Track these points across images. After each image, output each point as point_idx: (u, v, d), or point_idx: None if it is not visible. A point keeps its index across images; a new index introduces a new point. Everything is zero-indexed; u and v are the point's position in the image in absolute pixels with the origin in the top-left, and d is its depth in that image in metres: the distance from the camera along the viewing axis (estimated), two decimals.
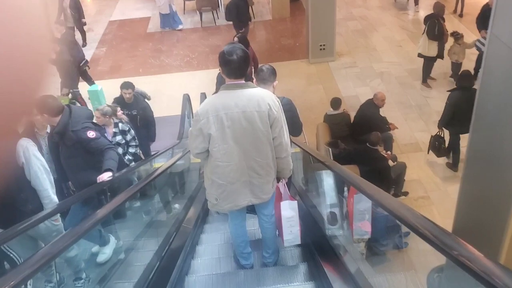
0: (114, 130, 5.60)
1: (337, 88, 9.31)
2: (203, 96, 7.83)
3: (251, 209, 3.52)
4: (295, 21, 12.32)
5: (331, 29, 9.86)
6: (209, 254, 4.13)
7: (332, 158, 5.75)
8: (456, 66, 8.74)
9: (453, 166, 7.09)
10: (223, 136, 2.97)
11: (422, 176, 7.07)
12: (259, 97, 2.99)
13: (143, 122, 6.61)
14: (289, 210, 3.37)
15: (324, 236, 3.61)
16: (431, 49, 8.50)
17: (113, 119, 5.61)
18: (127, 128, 5.69)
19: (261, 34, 11.94)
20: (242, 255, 3.68)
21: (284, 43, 11.24)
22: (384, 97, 7.11)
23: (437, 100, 8.44)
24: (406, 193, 6.70)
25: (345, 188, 3.46)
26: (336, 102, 7.11)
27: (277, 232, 3.62)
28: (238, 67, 2.97)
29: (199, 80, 9.69)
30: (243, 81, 3.06)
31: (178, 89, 8.99)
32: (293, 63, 10.31)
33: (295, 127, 4.23)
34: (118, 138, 5.62)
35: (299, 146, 6.25)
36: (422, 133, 7.97)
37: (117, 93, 9.67)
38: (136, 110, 6.52)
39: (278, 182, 3.34)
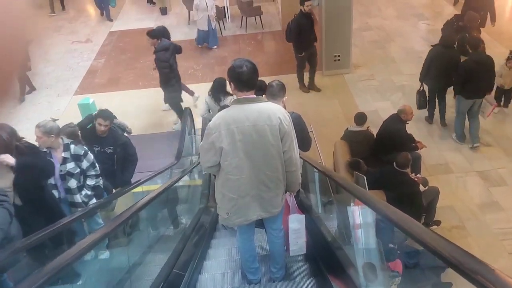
0: (63, 154, 4.28)
1: (354, 103, 8.48)
2: (206, 121, 7.02)
3: (259, 223, 3.52)
4: None
5: (346, 39, 9.07)
6: (216, 269, 4.05)
7: (361, 183, 4.84)
8: (501, 91, 7.59)
9: (429, 118, 7.71)
10: (235, 149, 3.01)
11: (455, 202, 6.17)
12: (270, 111, 3.03)
13: (121, 163, 5.24)
14: (296, 223, 3.46)
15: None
16: None
17: (62, 139, 4.30)
18: (82, 152, 4.36)
19: (271, 45, 11.17)
20: (250, 270, 3.66)
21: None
22: (412, 110, 6.28)
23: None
24: (438, 222, 5.79)
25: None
26: (361, 118, 6.27)
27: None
28: (249, 78, 3.00)
29: (204, 93, 8.87)
30: (254, 95, 3.09)
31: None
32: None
33: (304, 142, 4.29)
34: (70, 166, 4.30)
35: (314, 167, 5.43)
36: (452, 152, 7.10)
37: (113, 107, 8.95)
38: (112, 147, 5.12)
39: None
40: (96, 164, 4.43)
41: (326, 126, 7.65)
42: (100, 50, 11.54)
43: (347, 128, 6.52)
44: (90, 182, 4.44)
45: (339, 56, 9.20)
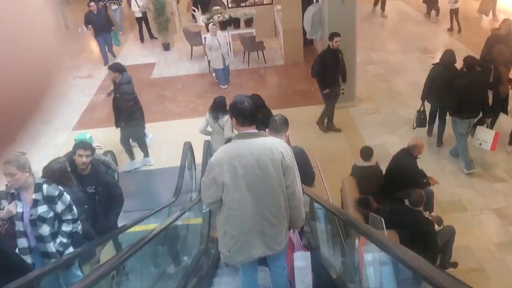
0: (34, 196, 3.72)
1: (360, 137, 8.21)
2: (207, 144, 6.77)
3: (262, 261, 3.45)
4: (309, 66, 11.29)
5: (351, 72, 8.88)
6: None
7: (377, 225, 4.49)
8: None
9: (429, 131, 7.81)
10: (237, 184, 2.98)
11: (472, 242, 5.79)
12: (272, 145, 3.04)
13: (104, 204, 4.70)
14: (301, 260, 3.40)
15: None
16: None
17: (33, 176, 3.74)
18: (57, 193, 3.78)
19: (273, 79, 11.04)
20: None
21: (298, 88, 10.30)
22: (423, 144, 5.99)
23: (489, 158, 7.28)
24: (455, 264, 5.40)
25: None
26: (367, 152, 5.97)
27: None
28: (250, 114, 3.03)
29: None
30: (256, 130, 3.10)
31: (181, 137, 7.93)
32: (309, 109, 9.29)
33: (307, 177, 4.26)
34: (42, 209, 3.71)
35: (321, 204, 5.12)
36: (465, 189, 6.76)
37: (112, 142, 8.71)
38: (94, 186, 4.62)
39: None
40: (74, 207, 3.89)
41: (332, 161, 7.35)
42: (102, 85, 11.41)
43: (354, 164, 6.22)
44: (66, 228, 3.84)
45: (343, 89, 8.99)
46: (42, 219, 3.72)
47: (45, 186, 3.76)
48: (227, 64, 10.36)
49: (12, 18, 0.37)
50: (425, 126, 7.67)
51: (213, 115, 6.46)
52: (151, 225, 5.07)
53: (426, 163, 7.02)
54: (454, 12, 12.18)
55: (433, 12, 13.51)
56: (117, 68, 7.27)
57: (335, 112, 9.01)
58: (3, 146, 0.41)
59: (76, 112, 10.13)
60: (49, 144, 9.02)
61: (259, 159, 2.97)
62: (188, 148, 6.79)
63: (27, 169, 3.63)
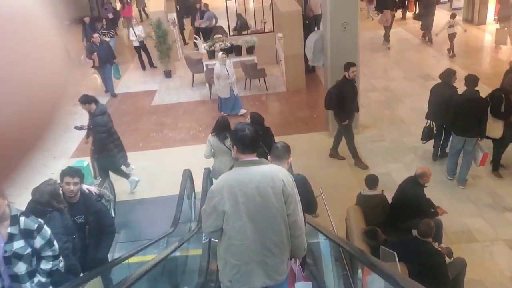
0: (10, 230, 3.32)
1: (364, 165, 8.01)
2: (207, 172, 6.59)
3: None
4: (311, 93, 11.35)
5: None
6: None
7: (391, 259, 4.26)
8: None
9: (434, 155, 7.88)
10: (238, 212, 2.95)
11: (484, 275, 5.52)
12: (273, 173, 3.01)
13: (94, 235, 4.38)
14: None
15: None
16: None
17: (8, 205, 3.33)
18: (36, 226, 3.39)
19: (275, 106, 10.95)
20: None
21: (300, 115, 10.17)
22: (431, 172, 5.80)
23: (498, 187, 7.09)
24: None
25: None
26: (372, 181, 5.78)
27: None
28: (251, 141, 3.03)
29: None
30: (256, 158, 3.08)
31: (181, 164, 7.75)
32: (312, 135, 9.15)
33: (310, 206, 4.23)
34: (18, 245, 3.32)
35: (325, 235, 4.90)
36: (475, 218, 6.52)
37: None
38: (83, 215, 4.32)
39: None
40: (55, 242, 3.53)
41: (336, 189, 7.14)
42: None
43: (359, 193, 6.01)
44: (45, 265, 3.43)
45: None
46: (17, 256, 3.31)
47: (22, 219, 3.35)
48: (235, 93, 10.17)
49: (24, 44, 0.37)
50: (431, 138, 7.74)
51: (219, 136, 6.32)
52: (148, 257, 4.85)
53: (432, 191, 6.81)
54: (451, 37, 12.43)
55: (431, 37, 13.75)
56: (86, 100, 7.09)
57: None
58: (4, 178, 0.39)
59: (74, 139, 9.97)
60: (47, 172, 8.82)
61: (259, 187, 2.95)
62: (188, 176, 6.60)
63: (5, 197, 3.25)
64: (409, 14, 16.55)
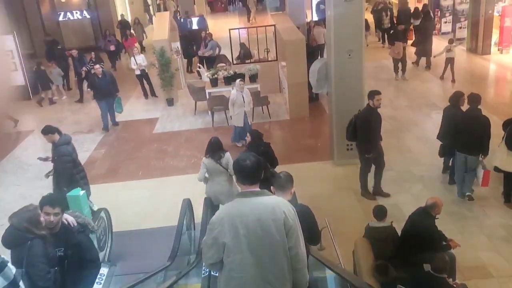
0: None
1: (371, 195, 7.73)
2: (208, 201, 6.32)
3: None
4: (315, 121, 11.18)
5: None
6: None
7: None
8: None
9: (450, 180, 7.77)
10: (238, 244, 2.90)
11: None
12: (275, 204, 2.97)
13: (74, 270, 4.00)
14: None
15: None
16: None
17: None
18: None
19: (278, 134, 10.74)
20: None
21: (304, 143, 9.95)
22: (443, 202, 5.52)
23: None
24: None
25: None
26: (381, 212, 5.49)
27: None
28: (251, 172, 3.00)
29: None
30: (258, 189, 3.04)
31: (181, 194, 7.49)
32: (316, 164, 8.90)
33: (313, 237, 4.16)
34: None
35: (332, 270, 4.60)
36: (489, 253, 6.18)
37: (108, 199, 8.26)
38: (63, 248, 3.94)
39: None
40: (20, 283, 3.17)
41: (343, 221, 6.84)
42: (102, 140, 11.15)
43: (367, 224, 5.71)
44: None
45: (351, 145, 8.62)
46: None
47: None
48: (249, 123, 9.80)
49: None
50: (444, 156, 7.78)
51: (213, 157, 6.31)
52: None
53: (442, 223, 6.50)
54: (449, 61, 12.56)
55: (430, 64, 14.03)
56: (49, 130, 6.94)
57: (343, 169, 8.61)
58: None
59: None
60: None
61: (261, 219, 2.90)
62: (187, 206, 6.32)
63: None
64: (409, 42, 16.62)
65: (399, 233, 5.66)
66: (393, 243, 5.49)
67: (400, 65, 13.35)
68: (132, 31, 18.54)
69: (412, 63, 14.56)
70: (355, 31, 7.91)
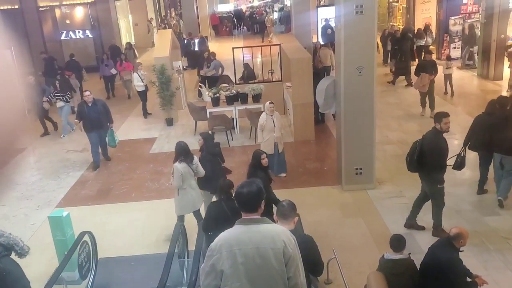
0: None
1: (382, 223, 7.10)
2: (204, 227, 5.68)
3: None
4: (321, 144, 10.60)
5: (369, 151, 7.99)
6: None
7: None
8: None
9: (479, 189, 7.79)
10: (236, 273, 2.85)
11: None
12: (274, 233, 2.92)
13: None
14: None
15: None
16: None
17: None
18: None
19: None
20: None
21: (309, 167, 9.35)
22: (468, 233, 4.88)
23: None
24: None
25: None
26: (399, 242, 4.85)
27: None
28: (248, 200, 2.97)
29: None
30: (259, 216, 3.00)
31: (176, 218, 6.87)
32: (322, 189, 8.27)
33: (316, 269, 3.98)
34: None
35: None
36: None
37: (97, 222, 7.65)
38: None
39: None
40: None
41: (352, 252, 6.20)
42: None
43: (382, 256, 5.05)
44: None
45: (361, 169, 8.03)
46: None
47: None
48: (280, 150, 8.70)
49: None
50: (461, 168, 7.24)
51: (187, 160, 6.44)
52: None
53: (464, 257, 5.84)
54: (447, 77, 13.10)
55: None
56: None
57: (352, 195, 7.99)
58: None
59: (63, 188, 9.17)
60: (27, 222, 7.97)
61: (260, 248, 2.84)
62: (180, 231, 5.68)
63: None
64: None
65: (418, 266, 5.02)
66: (411, 279, 4.83)
67: (427, 99, 11.82)
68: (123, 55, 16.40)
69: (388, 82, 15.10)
70: (367, 46, 7.39)
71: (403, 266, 4.84)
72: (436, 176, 6.45)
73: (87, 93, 9.86)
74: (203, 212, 6.61)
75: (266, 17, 26.81)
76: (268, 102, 8.77)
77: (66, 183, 9.39)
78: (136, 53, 19.48)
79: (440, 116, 6.41)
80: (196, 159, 6.62)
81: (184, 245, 5.88)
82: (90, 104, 9.63)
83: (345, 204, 7.72)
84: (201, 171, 6.61)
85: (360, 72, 7.49)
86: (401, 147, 10.01)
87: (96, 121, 9.66)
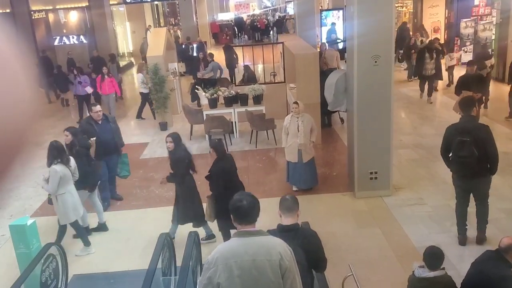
0: None
1: (403, 234, 6.13)
2: (193, 236, 4.74)
3: None
4: (329, 148, 9.67)
5: (385, 154, 7.06)
6: None
7: None
8: None
9: None
10: (233, 286, 2.84)
11: None
12: (271, 245, 2.91)
13: None
14: None
15: None
16: None
17: None
18: None
19: (284, 162, 9.17)
20: None
21: (317, 172, 8.39)
22: None
23: None
24: None
25: None
26: (436, 257, 3.89)
27: None
28: (247, 213, 2.96)
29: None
30: (255, 228, 2.99)
31: (164, 229, 5.93)
32: (333, 197, 7.32)
33: (319, 265, 3.69)
34: None
35: None
36: None
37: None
38: None
39: None
40: None
41: (371, 267, 5.22)
42: None
43: (412, 274, 4.07)
44: None
45: (376, 173, 7.08)
46: None
47: None
48: (304, 160, 7.32)
49: None
50: None
51: (63, 161, 5.80)
52: None
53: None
54: (451, 68, 13.58)
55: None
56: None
57: (366, 202, 7.04)
58: None
59: (40, 196, 8.21)
60: None
61: (256, 260, 2.83)
62: (165, 243, 4.69)
63: None
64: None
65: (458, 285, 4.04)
66: None
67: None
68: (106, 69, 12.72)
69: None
70: (384, 31, 6.49)
71: (440, 285, 3.87)
72: (495, 170, 5.55)
73: (98, 108, 7.40)
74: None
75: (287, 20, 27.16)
76: (294, 101, 7.74)
77: (43, 191, 8.42)
78: (121, 66, 18.32)
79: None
80: (73, 160, 6.03)
81: (170, 260, 4.90)
82: (100, 122, 7.34)
83: (359, 212, 6.76)
84: (77, 173, 6.09)
85: (375, 62, 6.58)
86: (417, 151, 9.11)
87: (110, 144, 7.39)
